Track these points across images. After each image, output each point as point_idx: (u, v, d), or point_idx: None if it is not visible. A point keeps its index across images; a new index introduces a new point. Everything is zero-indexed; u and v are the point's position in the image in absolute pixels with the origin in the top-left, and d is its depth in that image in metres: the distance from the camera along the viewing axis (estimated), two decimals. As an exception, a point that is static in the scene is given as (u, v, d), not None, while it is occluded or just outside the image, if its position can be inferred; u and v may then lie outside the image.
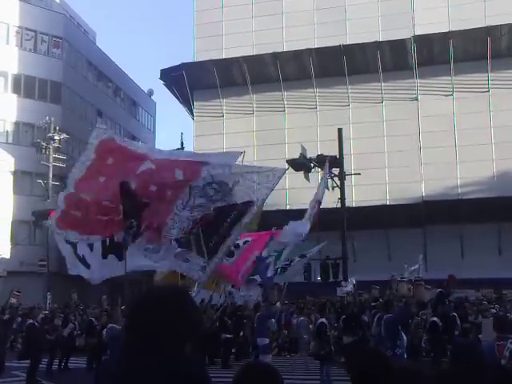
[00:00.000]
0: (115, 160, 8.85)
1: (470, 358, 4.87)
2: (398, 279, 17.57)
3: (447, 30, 38.02)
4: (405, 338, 12.69)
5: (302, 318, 22.16)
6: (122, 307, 18.91)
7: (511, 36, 38.01)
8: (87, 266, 9.72)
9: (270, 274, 15.71)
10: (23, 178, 43.37)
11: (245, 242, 12.45)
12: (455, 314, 14.39)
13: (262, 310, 17.88)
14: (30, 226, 41.06)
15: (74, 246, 9.60)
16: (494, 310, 18.72)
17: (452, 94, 38.98)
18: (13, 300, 23.53)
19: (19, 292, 23.60)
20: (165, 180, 8.61)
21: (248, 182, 8.88)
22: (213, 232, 8.87)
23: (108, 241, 9.32)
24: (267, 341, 16.53)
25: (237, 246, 11.79)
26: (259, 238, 13.22)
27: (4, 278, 38.22)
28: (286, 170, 9.72)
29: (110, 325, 14.07)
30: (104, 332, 14.55)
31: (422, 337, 17.16)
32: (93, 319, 19.47)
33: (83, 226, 8.94)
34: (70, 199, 8.95)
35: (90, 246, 9.52)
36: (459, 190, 37.81)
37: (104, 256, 9.48)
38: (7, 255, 40.78)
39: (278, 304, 21.19)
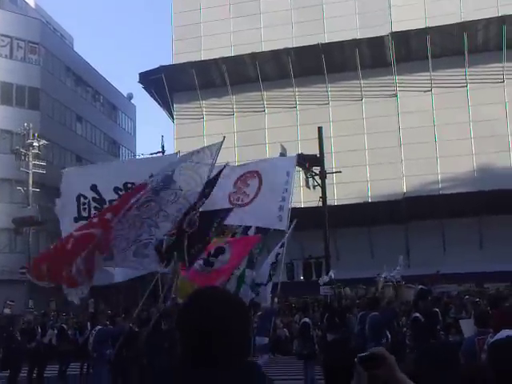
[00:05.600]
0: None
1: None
2: (383, 281, 17.51)
3: (424, 26, 38.22)
4: (389, 337, 12.66)
5: None
6: (108, 312, 18.84)
7: (487, 31, 38.29)
8: None
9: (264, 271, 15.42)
10: (3, 185, 42.94)
11: (222, 251, 11.81)
12: (437, 309, 14.36)
13: (263, 310, 17.57)
14: (10, 234, 40.67)
15: None
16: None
17: (431, 90, 39.18)
18: (7, 310, 23.29)
19: (13, 302, 23.35)
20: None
21: (187, 164, 8.91)
22: (197, 239, 8.80)
23: None
24: (267, 340, 16.28)
25: (215, 255, 11.43)
26: (239, 250, 12.41)
27: (-14, 286, 37.82)
28: (222, 141, 9.34)
29: (98, 327, 13.90)
30: (92, 333, 14.29)
31: (406, 333, 17.17)
32: (64, 326, 19.30)
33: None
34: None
35: None
36: (440, 185, 38.03)
37: None
38: (-12, 264, 40.40)
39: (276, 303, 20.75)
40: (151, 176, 8.76)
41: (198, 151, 9.19)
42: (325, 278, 20.85)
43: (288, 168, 11.97)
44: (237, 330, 2.29)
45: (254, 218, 11.52)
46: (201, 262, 10.30)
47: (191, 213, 8.63)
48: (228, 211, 9.73)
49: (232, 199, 11.28)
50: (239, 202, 11.27)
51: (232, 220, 11.62)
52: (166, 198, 8.72)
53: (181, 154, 9.92)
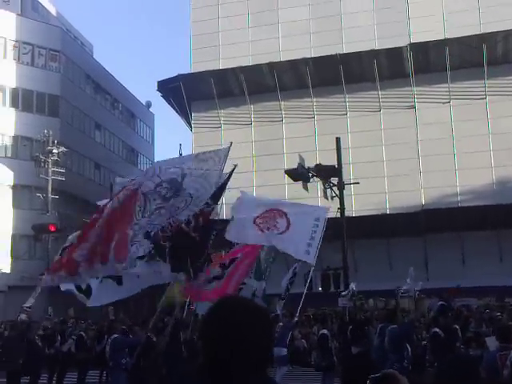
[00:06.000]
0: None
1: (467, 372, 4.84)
2: (401, 293, 17.48)
3: (443, 38, 38.12)
4: (409, 349, 12.60)
5: None
6: (128, 321, 18.95)
7: (506, 43, 38.11)
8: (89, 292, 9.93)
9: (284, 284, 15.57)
10: (22, 191, 43.34)
11: (233, 260, 12.00)
12: (457, 326, 14.30)
13: (283, 321, 17.56)
14: (29, 240, 40.98)
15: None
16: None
17: (449, 102, 39.01)
18: (23, 316, 23.42)
19: (29, 307, 23.46)
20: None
21: (196, 172, 9.07)
22: (198, 253, 8.87)
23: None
24: (285, 351, 16.23)
25: (224, 267, 11.53)
26: (249, 253, 12.59)
27: (5, 292, 38.05)
28: (229, 147, 9.59)
29: (114, 335, 14.01)
30: (108, 342, 14.42)
31: (426, 346, 17.08)
32: (82, 333, 19.39)
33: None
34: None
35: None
36: (458, 198, 37.80)
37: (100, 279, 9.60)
38: (8, 270, 40.65)
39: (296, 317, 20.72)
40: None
41: (205, 158, 9.32)
42: (347, 291, 20.76)
43: (318, 215, 12.27)
44: (255, 338, 2.26)
45: (283, 245, 11.77)
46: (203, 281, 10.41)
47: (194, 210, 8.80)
48: (225, 223, 9.91)
49: (261, 228, 11.50)
50: (267, 231, 11.51)
51: (261, 241, 11.86)
52: (177, 205, 8.87)
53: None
